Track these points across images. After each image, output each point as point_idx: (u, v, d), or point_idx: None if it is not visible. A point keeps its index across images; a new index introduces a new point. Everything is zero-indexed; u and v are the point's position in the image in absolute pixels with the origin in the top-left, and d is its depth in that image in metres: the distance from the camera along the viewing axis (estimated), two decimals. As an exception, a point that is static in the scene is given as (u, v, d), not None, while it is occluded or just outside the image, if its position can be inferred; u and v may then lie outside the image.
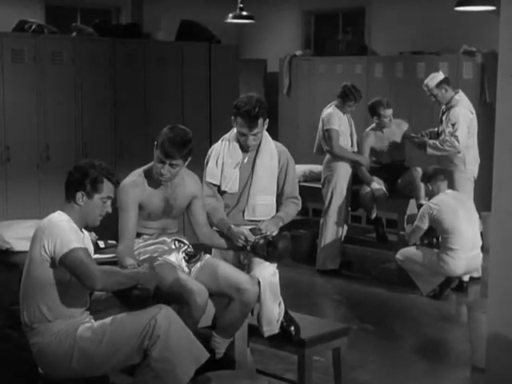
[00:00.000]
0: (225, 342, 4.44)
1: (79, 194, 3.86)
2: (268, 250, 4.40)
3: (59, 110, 6.88)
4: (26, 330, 3.88)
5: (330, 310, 6.98)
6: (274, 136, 11.10)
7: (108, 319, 3.87)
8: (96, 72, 7.11)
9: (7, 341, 4.62)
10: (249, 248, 4.43)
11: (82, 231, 3.96)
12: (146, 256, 4.38)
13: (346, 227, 7.87)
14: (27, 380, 4.23)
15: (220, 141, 4.78)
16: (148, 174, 4.37)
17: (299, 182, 8.51)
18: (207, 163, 4.77)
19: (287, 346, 4.63)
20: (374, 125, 7.71)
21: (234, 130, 4.66)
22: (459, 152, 7.08)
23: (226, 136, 4.76)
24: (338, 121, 7.51)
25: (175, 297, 4.17)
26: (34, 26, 6.79)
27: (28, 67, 6.68)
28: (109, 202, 3.94)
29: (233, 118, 4.59)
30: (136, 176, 4.38)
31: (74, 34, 7.25)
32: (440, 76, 7.18)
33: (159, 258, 4.36)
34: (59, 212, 3.90)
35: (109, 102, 7.23)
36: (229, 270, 4.41)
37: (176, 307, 4.08)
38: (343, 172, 7.60)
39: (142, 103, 7.43)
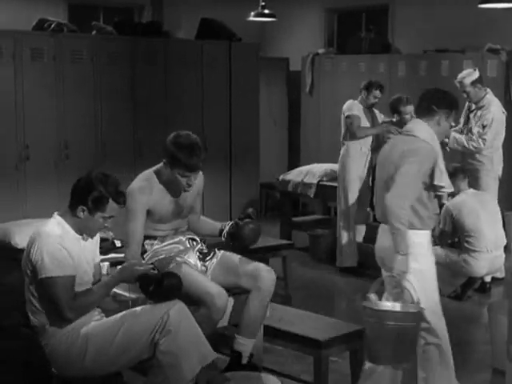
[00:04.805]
0: (249, 343, 4.40)
1: (80, 209, 3.79)
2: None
3: (78, 108, 6.88)
4: (38, 332, 3.88)
5: (349, 309, 6.91)
6: (297, 135, 11.17)
7: (120, 315, 3.86)
8: (116, 70, 7.09)
9: (22, 339, 4.60)
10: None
11: (84, 237, 3.90)
12: (161, 256, 4.38)
13: (364, 227, 7.81)
14: (41, 379, 4.22)
15: None
16: (158, 177, 4.34)
17: (320, 180, 8.59)
18: None
19: (303, 347, 4.59)
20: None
21: None
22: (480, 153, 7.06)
23: None
24: (357, 109, 7.60)
25: (192, 298, 4.15)
26: (53, 25, 6.79)
27: (47, 66, 6.68)
28: (110, 220, 3.87)
29: None
30: (143, 180, 4.34)
31: (94, 32, 7.25)
32: (476, 74, 7.13)
33: (177, 258, 4.35)
34: (56, 217, 3.86)
35: (128, 100, 7.22)
36: (244, 260, 4.43)
37: (192, 308, 4.06)
38: (355, 169, 7.62)
39: (162, 102, 7.41)
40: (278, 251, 7.03)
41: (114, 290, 4.25)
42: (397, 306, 4.26)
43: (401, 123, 7.53)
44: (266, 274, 4.34)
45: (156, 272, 3.93)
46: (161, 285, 3.79)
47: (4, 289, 5.26)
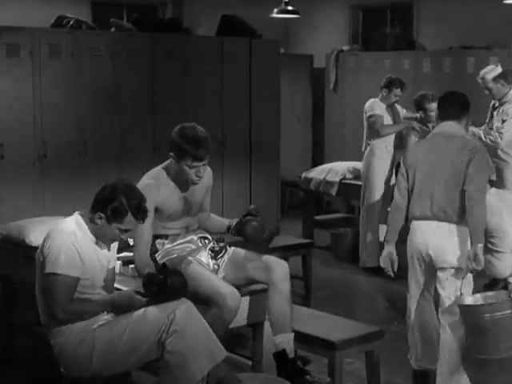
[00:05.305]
0: (288, 337, 4.32)
1: (97, 215, 3.75)
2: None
3: (97, 105, 6.83)
4: (47, 331, 3.85)
5: (370, 310, 6.83)
6: (321, 132, 11.08)
7: (127, 315, 3.80)
8: (134, 67, 7.02)
9: (34, 338, 4.57)
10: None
11: (98, 244, 3.87)
12: (173, 256, 4.33)
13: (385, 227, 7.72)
14: (51, 379, 4.19)
15: None
16: (167, 173, 4.29)
17: (343, 179, 8.51)
18: None
19: (317, 348, 4.52)
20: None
21: None
22: (498, 148, 6.96)
23: None
24: (378, 107, 7.61)
25: (203, 298, 4.09)
26: (71, 22, 6.75)
27: (65, 63, 6.63)
28: (126, 234, 3.84)
29: None
30: (150, 178, 4.29)
31: (113, 29, 7.20)
32: (498, 70, 7.07)
33: (189, 258, 4.29)
34: (76, 216, 3.84)
35: (147, 97, 7.15)
36: (254, 254, 4.40)
37: (204, 308, 4.00)
38: (380, 168, 7.57)
39: (182, 98, 7.33)
40: (298, 250, 6.95)
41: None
42: (489, 298, 4.59)
43: (426, 120, 7.45)
44: (276, 266, 4.30)
45: (161, 277, 3.88)
46: (165, 285, 3.74)
47: (18, 287, 5.24)
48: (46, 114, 6.54)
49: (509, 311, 4.43)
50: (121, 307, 3.83)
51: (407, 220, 4.96)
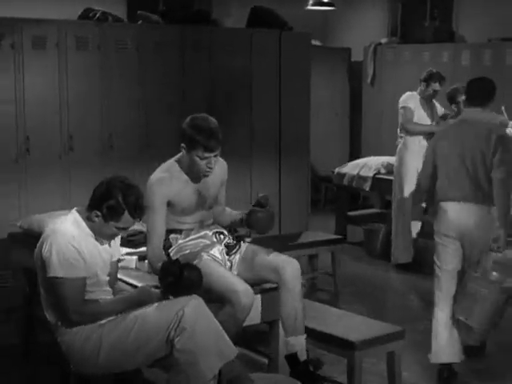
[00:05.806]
0: (300, 340, 4.21)
1: (94, 213, 3.66)
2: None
3: (123, 98, 6.73)
4: (54, 329, 3.79)
5: (399, 307, 6.67)
6: (359, 126, 10.96)
7: (135, 312, 3.71)
8: (161, 60, 6.91)
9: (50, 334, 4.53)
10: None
11: (97, 239, 3.78)
12: (186, 251, 4.23)
13: (419, 223, 7.54)
14: (61, 375, 4.14)
15: None
16: (180, 165, 4.21)
17: (377, 173, 8.37)
18: None
19: (336, 348, 4.41)
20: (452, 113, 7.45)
21: None
22: None
23: None
24: (413, 101, 7.49)
25: (216, 295, 4.00)
26: (98, 14, 6.68)
27: (92, 55, 6.56)
28: (124, 231, 3.75)
29: None
30: (163, 172, 4.20)
31: (140, 21, 7.12)
32: None
33: (202, 253, 4.20)
34: (74, 213, 3.76)
35: (174, 90, 7.04)
36: (265, 254, 4.27)
37: (217, 306, 3.91)
38: (412, 163, 7.38)
39: (209, 91, 7.21)
40: (328, 246, 6.83)
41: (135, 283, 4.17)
42: (494, 277, 4.78)
43: (459, 113, 7.27)
44: (286, 265, 4.18)
45: (178, 269, 3.79)
46: (180, 278, 3.66)
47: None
48: (72, 107, 6.48)
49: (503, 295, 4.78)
50: (141, 304, 3.75)
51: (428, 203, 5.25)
